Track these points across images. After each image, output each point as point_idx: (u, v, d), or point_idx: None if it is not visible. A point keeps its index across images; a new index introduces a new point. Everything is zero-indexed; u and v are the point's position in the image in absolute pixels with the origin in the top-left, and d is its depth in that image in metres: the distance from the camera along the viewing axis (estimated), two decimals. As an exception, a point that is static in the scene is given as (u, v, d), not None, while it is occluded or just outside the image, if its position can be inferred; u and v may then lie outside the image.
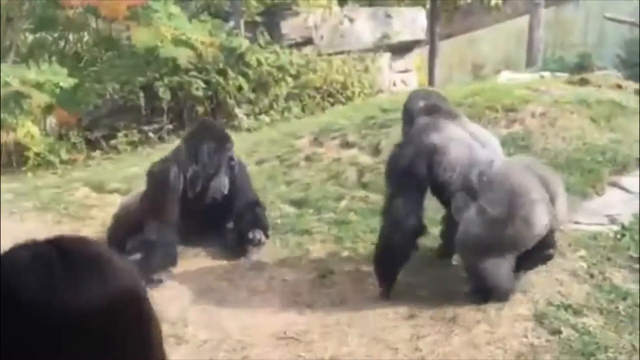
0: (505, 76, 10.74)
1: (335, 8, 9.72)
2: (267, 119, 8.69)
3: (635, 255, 3.70)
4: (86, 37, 8.83)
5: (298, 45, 9.50)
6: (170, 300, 3.68)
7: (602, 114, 5.19)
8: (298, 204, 5.02)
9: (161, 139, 8.24)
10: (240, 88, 8.72)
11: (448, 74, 16.25)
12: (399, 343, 3.09)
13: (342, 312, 3.42)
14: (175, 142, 8.30)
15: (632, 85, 6.16)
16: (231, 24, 9.36)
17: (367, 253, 3.98)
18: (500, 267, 3.29)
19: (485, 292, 3.35)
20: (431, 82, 13.53)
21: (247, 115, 8.74)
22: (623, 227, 3.93)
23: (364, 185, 5.08)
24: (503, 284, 3.33)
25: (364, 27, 10.03)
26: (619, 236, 3.86)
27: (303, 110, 8.96)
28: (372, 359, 2.98)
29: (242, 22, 9.15)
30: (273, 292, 3.76)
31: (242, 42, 8.79)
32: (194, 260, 4.24)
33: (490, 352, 2.95)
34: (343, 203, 4.88)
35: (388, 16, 10.22)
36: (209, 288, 3.82)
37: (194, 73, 8.31)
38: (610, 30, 13.47)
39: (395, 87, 10.67)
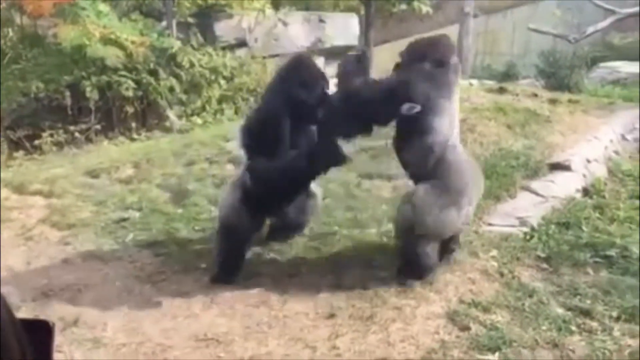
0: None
1: (269, 11, 9.78)
2: (199, 120, 8.64)
3: (543, 255, 3.92)
4: (10, 34, 8.52)
5: (231, 47, 9.51)
6: (90, 303, 3.64)
7: (518, 121, 5.46)
8: (226, 206, 5.03)
9: (88, 140, 8.06)
10: (172, 89, 8.63)
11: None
12: (317, 342, 3.16)
13: (263, 314, 3.47)
14: (103, 143, 8.18)
15: (547, 94, 6.50)
16: (163, 24, 9.25)
17: (291, 255, 4.08)
18: (432, 250, 3.58)
19: (414, 272, 3.59)
20: (365, 86, 13.72)
21: (179, 116, 8.67)
22: (532, 228, 4.15)
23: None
24: (432, 265, 3.61)
25: (297, 31, 10.14)
26: (528, 237, 4.08)
27: (236, 112, 8.95)
28: (290, 358, 3.04)
29: (174, 22, 9.07)
30: (196, 294, 3.77)
31: (174, 43, 8.71)
32: (117, 262, 4.20)
33: (404, 349, 3.06)
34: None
35: (321, 21, 10.37)
36: (131, 290, 3.80)
37: (123, 73, 8.17)
38: (536, 41, 14.08)
39: (328, 91, 10.80)
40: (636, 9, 12.01)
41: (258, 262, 4.05)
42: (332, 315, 3.39)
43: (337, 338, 3.19)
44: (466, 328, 3.20)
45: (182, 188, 5.43)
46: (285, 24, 10.00)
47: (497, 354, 2.99)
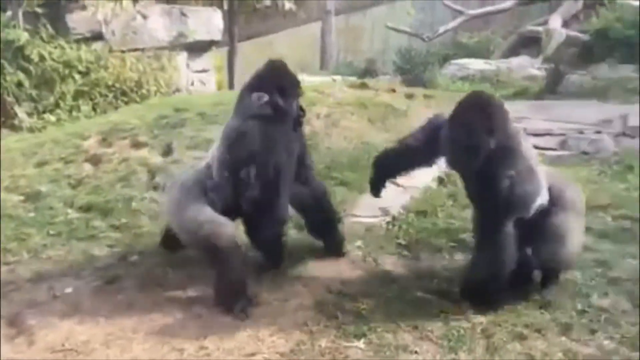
0: (300, 78, 11.20)
1: (126, 3, 9.33)
2: (52, 118, 8.08)
3: (403, 242, 4.12)
4: None
5: (86, 40, 8.95)
6: None
7: (378, 116, 5.68)
8: (84, 208, 4.77)
9: None
10: (20, 84, 7.99)
11: (249, 75, 16.54)
12: (185, 343, 3.08)
13: (128, 319, 3.32)
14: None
15: (404, 89, 6.84)
16: (8, 14, 8.52)
17: (156, 256, 3.94)
18: None
19: None
20: (231, 82, 13.64)
21: (30, 114, 8.05)
22: (393, 218, 4.34)
23: (155, 187, 4.99)
24: None
25: (158, 24, 9.78)
26: (390, 226, 4.26)
27: (94, 109, 8.50)
28: (157, 362, 2.94)
29: (20, 12, 8.38)
30: (53, 303, 3.53)
31: (20, 35, 8.06)
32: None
33: (273, 343, 3.08)
34: (133, 205, 4.75)
35: (183, 14, 10.10)
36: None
37: (-38, 66, 7.43)
38: (394, 39, 14.73)
39: (193, 87, 10.59)
40: (481, 10, 13.03)
41: (122, 265, 3.87)
42: (199, 316, 3.32)
43: (205, 338, 3.13)
44: (334, 317, 3.28)
45: (34, 190, 5.05)
46: (144, 16, 9.61)
47: (362, 340, 3.09)
